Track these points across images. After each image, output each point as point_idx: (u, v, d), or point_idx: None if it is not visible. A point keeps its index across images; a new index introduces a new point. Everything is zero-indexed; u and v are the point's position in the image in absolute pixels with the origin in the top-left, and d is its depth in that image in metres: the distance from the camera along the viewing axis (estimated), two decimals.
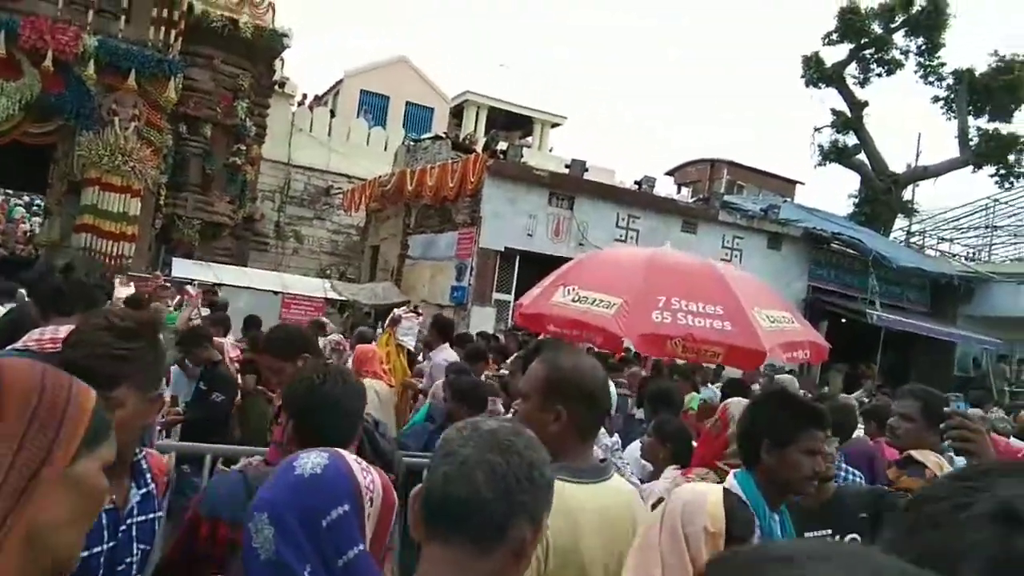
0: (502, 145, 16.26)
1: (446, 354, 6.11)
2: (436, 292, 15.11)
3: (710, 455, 2.81)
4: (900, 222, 25.47)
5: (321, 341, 5.55)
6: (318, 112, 23.85)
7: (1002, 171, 22.95)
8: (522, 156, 15.43)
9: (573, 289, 5.06)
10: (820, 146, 24.30)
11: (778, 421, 2.09)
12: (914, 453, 3.04)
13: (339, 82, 27.16)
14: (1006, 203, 25.28)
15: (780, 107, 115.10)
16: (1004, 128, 22.50)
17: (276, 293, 13.90)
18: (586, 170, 15.73)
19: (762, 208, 17.05)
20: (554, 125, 30.36)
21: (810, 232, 16.96)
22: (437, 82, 28.15)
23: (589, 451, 1.91)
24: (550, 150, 29.59)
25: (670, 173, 31.74)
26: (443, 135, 19.03)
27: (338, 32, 78.20)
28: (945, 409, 2.67)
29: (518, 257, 14.32)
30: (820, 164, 24.47)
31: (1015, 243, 27.59)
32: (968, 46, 35.12)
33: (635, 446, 4.04)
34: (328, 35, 76.40)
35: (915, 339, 16.97)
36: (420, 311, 8.64)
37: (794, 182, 28.80)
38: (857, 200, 24.19)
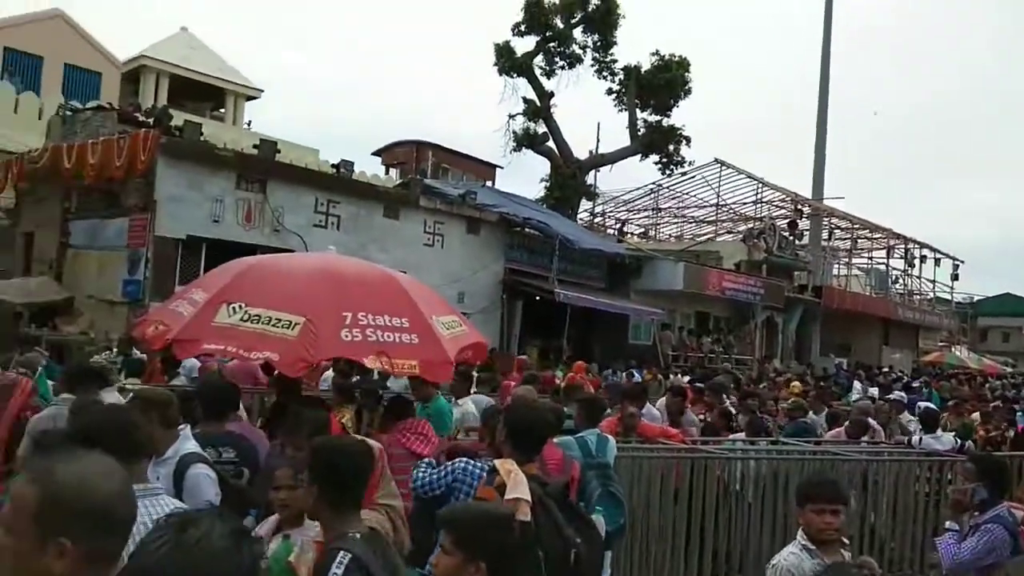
0: (183, 119, 14.62)
1: None
2: (106, 287, 13.24)
3: None
4: (585, 204, 27.94)
5: None
6: None
7: (664, 159, 26.13)
8: (202, 133, 13.96)
9: (241, 307, 4.37)
10: (514, 132, 25.60)
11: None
12: None
13: None
14: (668, 187, 28.95)
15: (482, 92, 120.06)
16: (665, 121, 25.60)
17: None
18: (278, 151, 14.74)
19: (460, 193, 17.45)
20: (249, 98, 28.38)
21: (504, 217, 17.76)
22: (104, 42, 24.70)
23: None
24: (247, 124, 27.56)
25: (377, 153, 31.39)
26: (108, 105, 16.68)
27: None
28: None
29: (204, 246, 13.02)
30: (515, 150, 25.79)
31: (676, 223, 31.87)
32: (637, 43, 39.49)
33: None
34: None
35: (596, 313, 18.68)
36: None
37: (494, 166, 30.12)
38: (548, 184, 25.95)
